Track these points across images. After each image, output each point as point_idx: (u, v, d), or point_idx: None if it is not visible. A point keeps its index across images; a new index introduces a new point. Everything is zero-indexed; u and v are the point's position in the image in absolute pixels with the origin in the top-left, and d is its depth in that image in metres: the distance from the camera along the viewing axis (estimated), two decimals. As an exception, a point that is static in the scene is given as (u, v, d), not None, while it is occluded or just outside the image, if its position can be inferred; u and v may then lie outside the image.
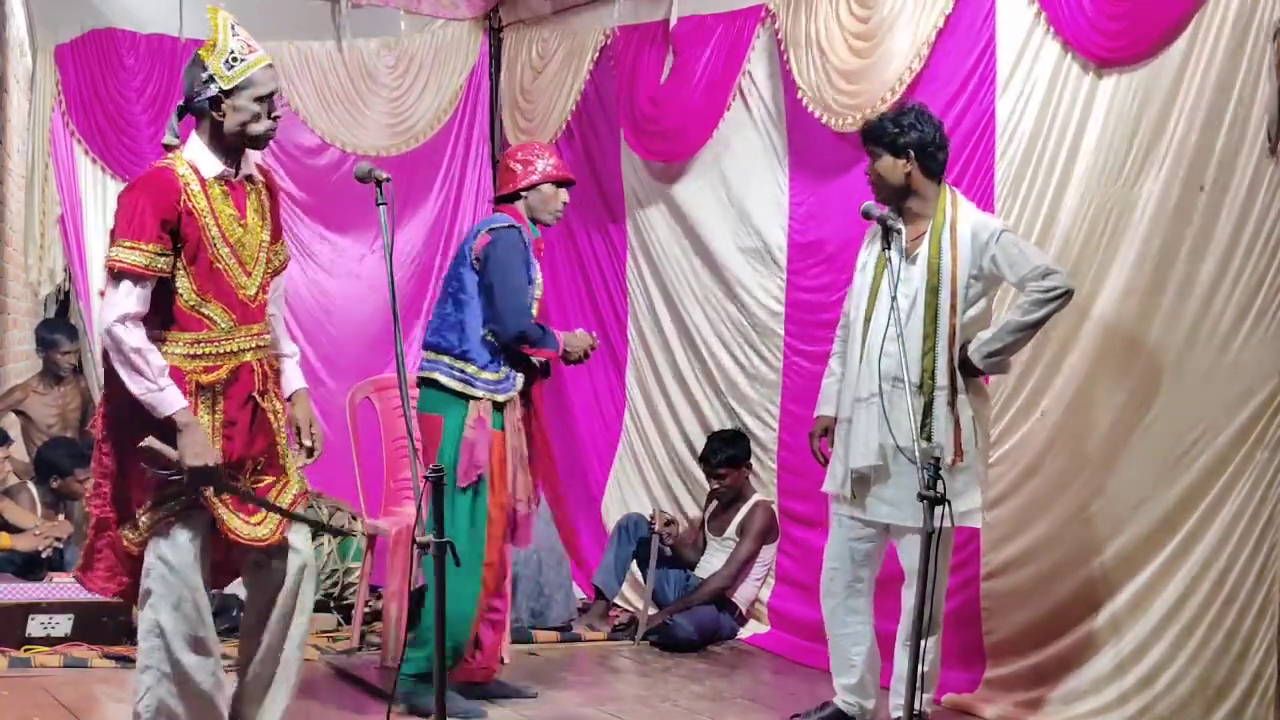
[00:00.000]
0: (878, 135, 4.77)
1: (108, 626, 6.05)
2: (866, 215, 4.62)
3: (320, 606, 6.61)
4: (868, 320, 4.75)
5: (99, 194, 7.33)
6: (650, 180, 7.19)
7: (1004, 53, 5.36)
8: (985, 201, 5.41)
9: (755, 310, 6.63)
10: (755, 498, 6.58)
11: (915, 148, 4.70)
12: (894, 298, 4.38)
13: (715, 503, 6.75)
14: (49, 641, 5.94)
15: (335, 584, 6.68)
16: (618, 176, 7.40)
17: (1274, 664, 4.52)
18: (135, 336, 3.87)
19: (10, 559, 6.44)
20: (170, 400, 3.89)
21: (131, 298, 3.88)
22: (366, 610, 6.38)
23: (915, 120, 4.72)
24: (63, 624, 5.99)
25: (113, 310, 3.88)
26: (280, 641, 4.17)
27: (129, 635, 6.10)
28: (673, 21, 6.90)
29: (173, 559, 3.97)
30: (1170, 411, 4.79)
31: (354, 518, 6.82)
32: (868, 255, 4.86)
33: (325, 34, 7.67)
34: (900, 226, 4.50)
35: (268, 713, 4.20)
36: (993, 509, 5.36)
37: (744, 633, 6.60)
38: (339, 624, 6.59)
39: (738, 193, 6.70)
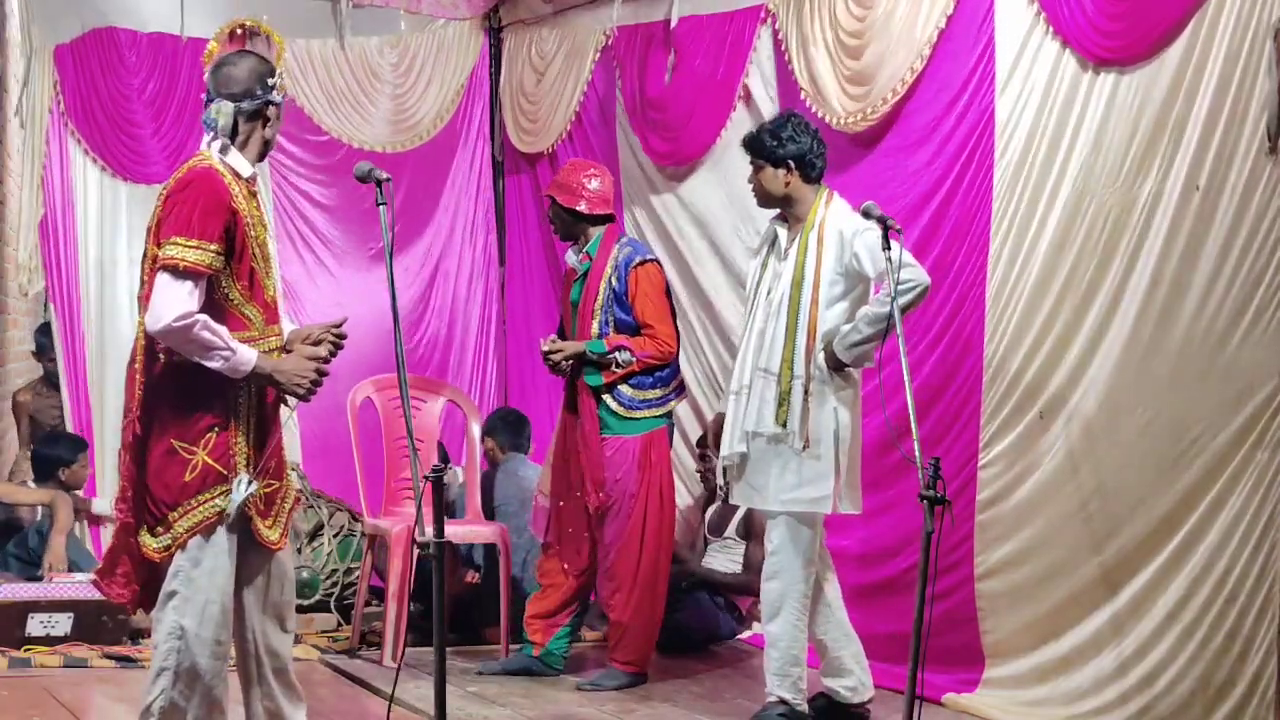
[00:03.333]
0: (758, 148, 5.01)
1: (108, 626, 6.06)
2: (866, 215, 4.66)
3: (320, 606, 6.63)
4: (748, 320, 5.05)
5: (99, 193, 7.32)
6: (650, 180, 7.18)
7: (1003, 52, 5.35)
8: (983, 201, 5.41)
9: (755, 310, 6.61)
10: (755, 497, 6.57)
11: (794, 158, 4.92)
12: (795, 295, 4.84)
13: (716, 504, 6.74)
14: (49, 641, 5.95)
15: (335, 584, 6.68)
16: (616, 176, 7.38)
17: (1274, 664, 4.51)
18: (196, 316, 3.82)
19: (18, 555, 6.44)
20: (247, 356, 3.88)
21: (193, 297, 3.83)
22: (366, 610, 6.38)
23: (794, 132, 4.96)
24: (63, 624, 5.99)
25: (171, 308, 3.80)
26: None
27: (129, 635, 6.12)
28: (673, 22, 6.89)
29: (209, 561, 3.91)
30: (1170, 411, 4.78)
31: (354, 517, 6.83)
32: (755, 261, 5.15)
33: (326, 33, 7.66)
34: (899, 227, 4.59)
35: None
36: (989, 508, 5.36)
37: (744, 633, 6.60)
38: (339, 624, 6.60)
39: (739, 192, 6.66)
